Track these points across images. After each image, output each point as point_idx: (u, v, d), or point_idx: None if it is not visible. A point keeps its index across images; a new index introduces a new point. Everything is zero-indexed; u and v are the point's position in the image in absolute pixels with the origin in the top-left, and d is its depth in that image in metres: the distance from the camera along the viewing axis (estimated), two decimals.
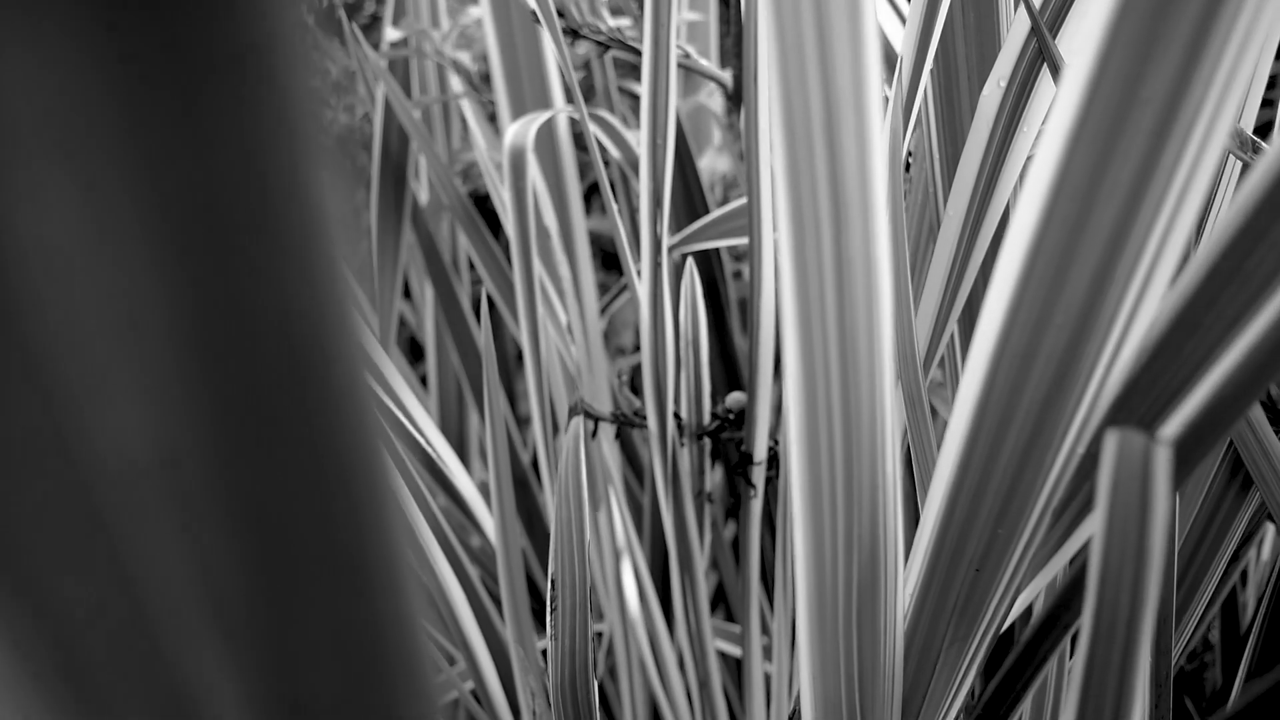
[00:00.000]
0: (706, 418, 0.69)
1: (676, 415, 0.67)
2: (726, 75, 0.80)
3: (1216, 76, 0.28)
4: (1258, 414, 0.51)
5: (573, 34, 0.71)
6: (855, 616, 0.37)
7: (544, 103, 0.85)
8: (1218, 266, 0.30)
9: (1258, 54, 0.28)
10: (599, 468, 0.75)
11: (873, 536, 0.36)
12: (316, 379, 0.14)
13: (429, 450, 0.71)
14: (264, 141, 0.13)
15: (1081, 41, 0.28)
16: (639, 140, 0.65)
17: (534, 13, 0.64)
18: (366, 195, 1.05)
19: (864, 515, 0.34)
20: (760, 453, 0.67)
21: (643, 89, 0.62)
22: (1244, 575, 0.88)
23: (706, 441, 0.71)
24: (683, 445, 0.68)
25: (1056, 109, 0.29)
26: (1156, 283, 0.32)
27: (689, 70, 0.75)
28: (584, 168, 1.45)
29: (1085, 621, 0.32)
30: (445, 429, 1.12)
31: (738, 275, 1.15)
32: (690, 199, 0.90)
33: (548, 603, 0.41)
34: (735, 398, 0.69)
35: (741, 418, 0.70)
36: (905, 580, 0.41)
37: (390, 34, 0.85)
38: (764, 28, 0.23)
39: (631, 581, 0.75)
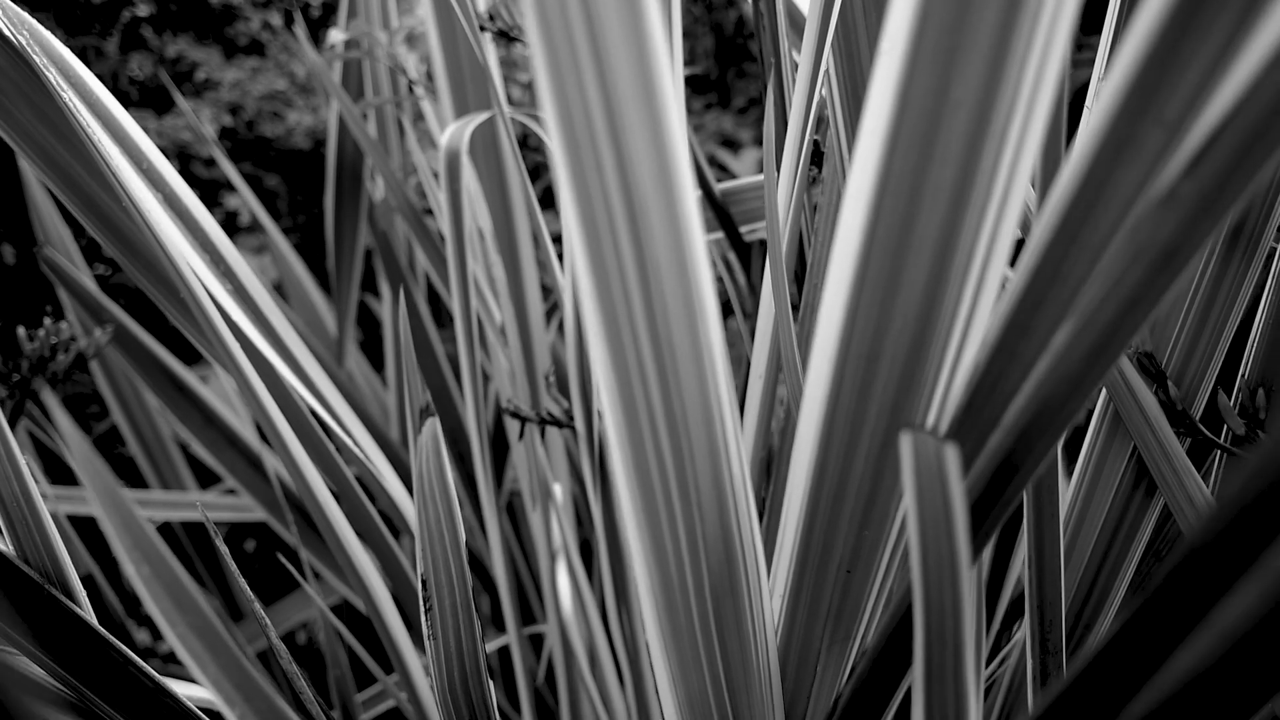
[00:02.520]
0: None
1: (601, 414, 0.67)
2: None
3: (1025, 79, 0.28)
4: (1159, 416, 0.51)
5: (505, 36, 0.71)
6: (714, 616, 0.37)
7: (487, 104, 0.85)
8: (1040, 268, 0.30)
9: (1062, 58, 0.27)
10: (533, 468, 0.75)
11: (725, 538, 0.36)
12: None
13: (364, 460, 0.71)
14: None
15: (888, 44, 0.28)
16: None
17: (456, 14, 0.64)
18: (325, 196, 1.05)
19: (709, 517, 0.34)
20: None
21: None
22: None
23: None
24: None
25: (869, 113, 0.29)
26: (989, 285, 0.32)
27: None
28: (542, 168, 1.45)
29: (917, 625, 0.32)
30: (404, 433, 1.12)
31: None
32: None
33: (421, 603, 0.41)
34: None
35: None
36: (773, 581, 0.41)
37: (334, 35, 0.86)
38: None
39: (566, 581, 0.75)
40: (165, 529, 1.21)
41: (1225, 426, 0.51)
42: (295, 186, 1.77)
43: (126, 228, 0.62)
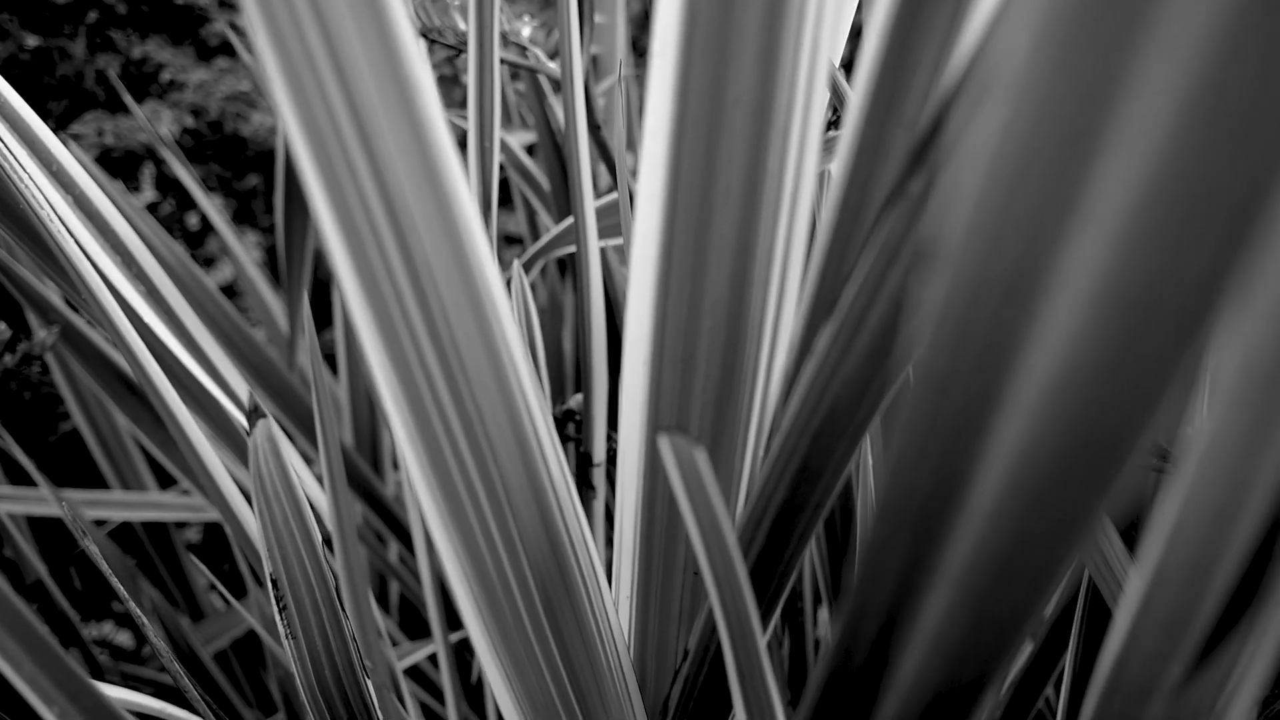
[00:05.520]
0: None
1: None
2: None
3: (798, 80, 0.28)
4: None
5: (426, 39, 0.71)
6: (546, 615, 0.37)
7: None
8: (825, 270, 0.29)
9: (831, 59, 0.27)
10: None
11: (551, 539, 0.36)
12: None
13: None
14: None
15: (658, 45, 0.28)
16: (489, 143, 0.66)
17: None
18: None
19: (524, 516, 0.34)
20: (599, 454, 0.67)
21: (469, 91, 0.63)
22: None
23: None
24: None
25: (650, 115, 0.29)
26: (791, 284, 0.32)
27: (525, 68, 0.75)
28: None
29: (720, 628, 0.32)
30: (359, 441, 1.13)
31: None
32: (571, 201, 0.90)
33: (274, 603, 0.41)
34: (579, 399, 0.69)
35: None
36: (618, 583, 0.41)
37: None
38: None
39: None
40: (125, 529, 1.21)
41: None
42: (273, 186, 1.78)
43: (38, 232, 0.62)
